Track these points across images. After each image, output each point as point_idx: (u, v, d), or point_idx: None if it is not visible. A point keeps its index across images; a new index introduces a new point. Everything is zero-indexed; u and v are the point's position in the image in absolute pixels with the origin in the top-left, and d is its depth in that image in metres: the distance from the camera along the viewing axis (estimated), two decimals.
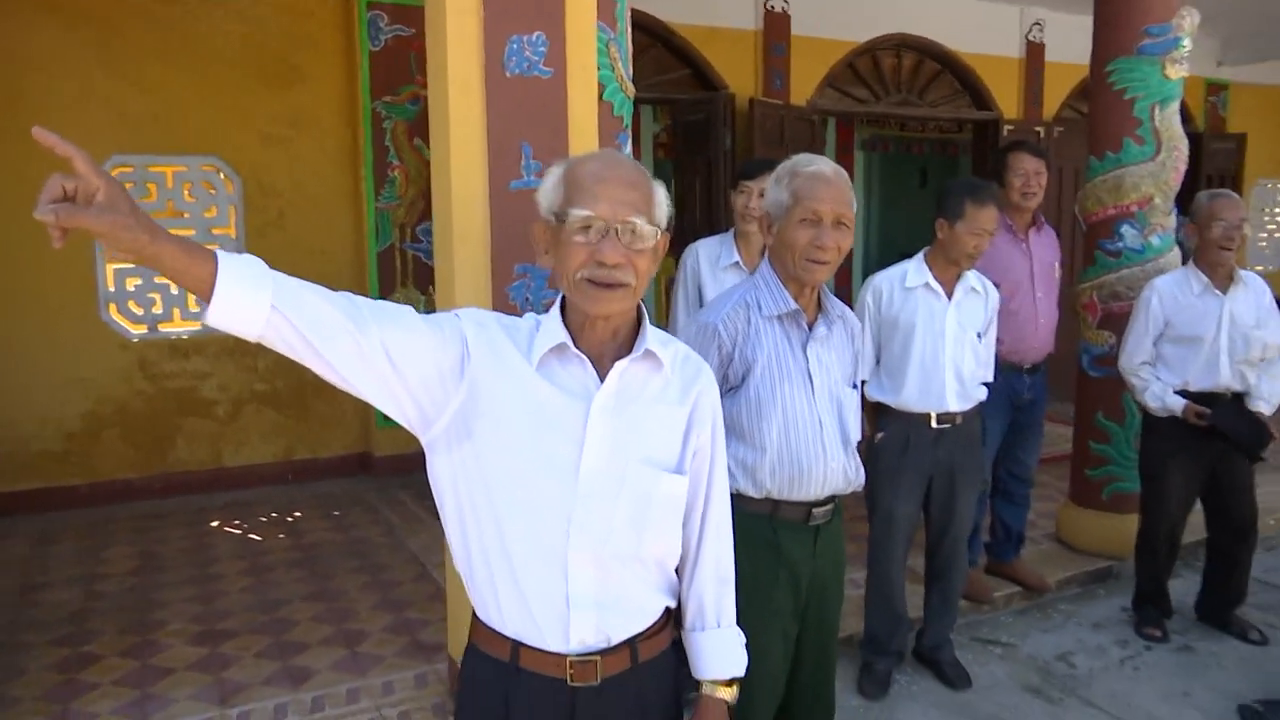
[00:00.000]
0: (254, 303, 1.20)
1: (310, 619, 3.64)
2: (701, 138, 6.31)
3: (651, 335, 1.43)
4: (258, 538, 4.60)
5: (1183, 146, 4.26)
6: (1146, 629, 3.81)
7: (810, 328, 2.16)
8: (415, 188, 5.66)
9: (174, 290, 5.22)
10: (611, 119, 3.07)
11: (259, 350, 5.30)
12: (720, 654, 1.56)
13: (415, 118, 5.61)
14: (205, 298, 1.18)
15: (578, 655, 1.39)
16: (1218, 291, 3.55)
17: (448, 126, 2.75)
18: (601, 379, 1.39)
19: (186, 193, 5.20)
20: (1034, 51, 8.11)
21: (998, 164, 3.87)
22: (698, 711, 1.55)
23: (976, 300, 3.25)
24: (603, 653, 1.41)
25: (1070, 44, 8.15)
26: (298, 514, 5.00)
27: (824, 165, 2.07)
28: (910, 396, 3.14)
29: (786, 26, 6.93)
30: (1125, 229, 4.26)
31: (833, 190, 2.04)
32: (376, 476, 5.64)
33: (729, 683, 1.56)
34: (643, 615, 1.46)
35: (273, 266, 1.23)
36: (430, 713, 3.00)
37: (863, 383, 3.17)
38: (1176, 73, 4.21)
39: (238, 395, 5.38)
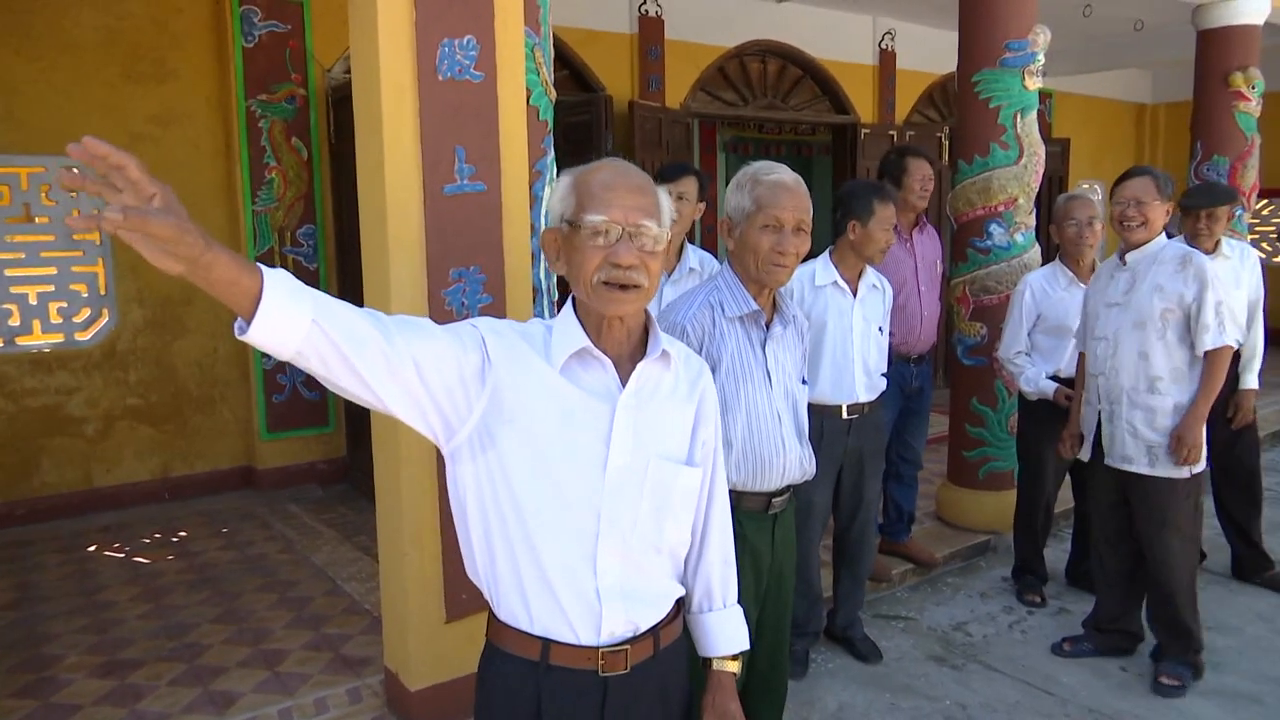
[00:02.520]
0: (297, 316, 1.18)
1: (222, 642, 3.49)
2: (584, 139, 6.36)
3: (662, 335, 1.50)
4: (145, 560, 4.34)
5: (1041, 151, 4.64)
6: (1027, 595, 4.15)
7: (767, 327, 2.27)
8: (294, 190, 5.46)
9: (32, 300, 4.83)
10: (538, 123, 3.10)
11: (130, 363, 5.03)
12: (728, 631, 1.66)
13: (293, 117, 5.42)
14: (247, 312, 1.15)
15: (608, 646, 1.44)
16: (1082, 284, 3.90)
17: (380, 130, 2.71)
18: (619, 378, 1.45)
19: (44, 195, 4.83)
20: (886, 59, 8.59)
21: (895, 167, 4.11)
22: (711, 687, 1.64)
23: (877, 296, 3.46)
24: (630, 642, 1.46)
25: (918, 53, 8.72)
26: (183, 533, 4.74)
27: (784, 174, 2.18)
28: (824, 390, 3.30)
29: (660, 31, 7.08)
30: (993, 228, 4.60)
31: (793, 198, 2.16)
32: (262, 490, 5.41)
33: (735, 657, 1.66)
34: (662, 603, 1.53)
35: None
36: None
37: None
38: (1034, 84, 4.58)
39: (108, 411, 5.04)
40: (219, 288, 1.13)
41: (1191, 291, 3.20)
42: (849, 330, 3.32)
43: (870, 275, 3.44)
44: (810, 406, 3.28)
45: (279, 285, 1.17)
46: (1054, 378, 3.93)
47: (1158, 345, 3.25)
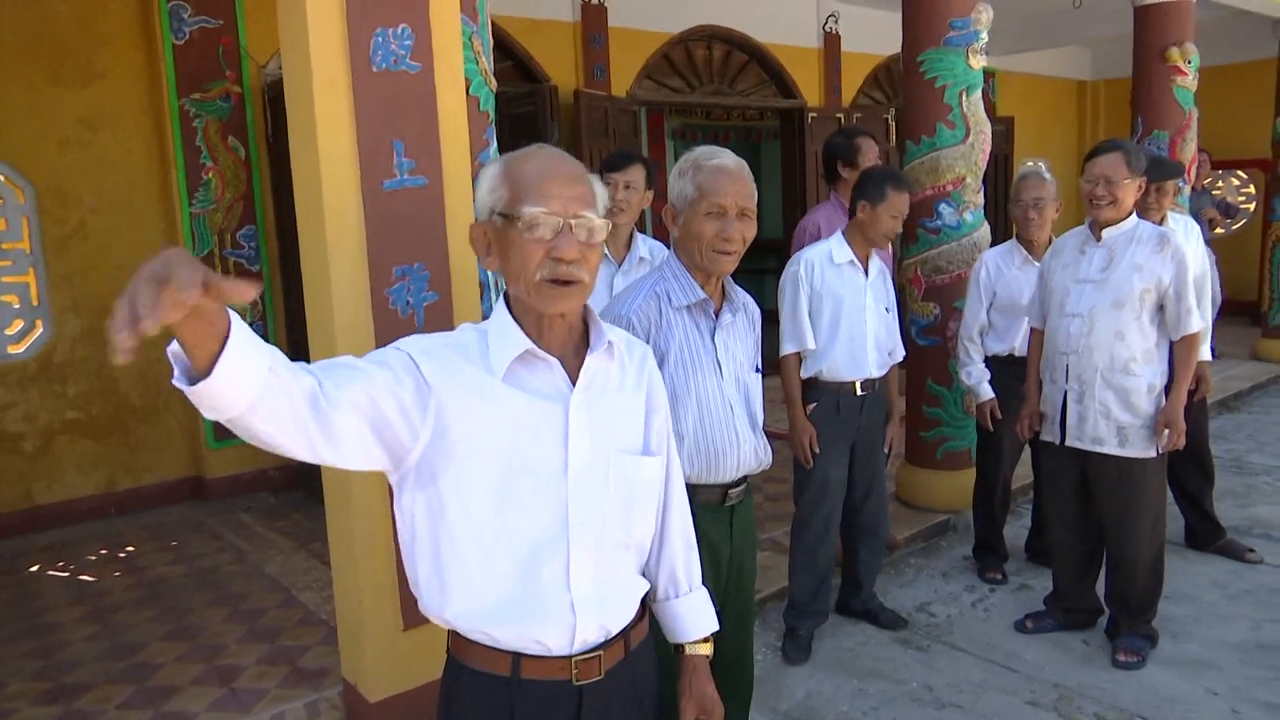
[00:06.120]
0: (259, 359, 1.10)
1: (174, 660, 3.37)
2: (529, 130, 6.26)
3: (604, 326, 1.45)
4: (90, 578, 4.20)
5: (987, 130, 4.66)
6: (989, 573, 4.17)
7: (716, 316, 2.22)
8: (233, 190, 5.31)
9: None
10: (478, 114, 3.02)
11: (69, 375, 4.87)
12: (697, 615, 1.63)
13: (228, 116, 5.26)
14: (210, 354, 1.05)
15: (580, 654, 1.39)
16: (1036, 263, 3.90)
17: (314, 126, 2.62)
18: (567, 376, 1.39)
19: None
20: (831, 42, 8.60)
21: (846, 150, 4.08)
22: (685, 671, 1.61)
23: (883, 279, 3.54)
24: (603, 647, 1.42)
25: (863, 35, 8.73)
26: (130, 548, 4.59)
27: (727, 158, 2.13)
28: (839, 367, 3.38)
29: (604, 18, 7.01)
30: (943, 207, 4.61)
31: (736, 183, 2.11)
32: (211, 500, 5.27)
33: (706, 639, 1.63)
34: (631, 602, 1.48)
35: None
36: None
37: (798, 356, 3.39)
38: (978, 63, 4.59)
39: (47, 426, 4.86)
40: (203, 324, 1.02)
41: (1169, 273, 3.20)
42: (863, 308, 3.40)
43: (876, 259, 3.51)
44: (823, 385, 3.40)
45: (242, 324, 1.08)
46: (1009, 356, 3.96)
47: (1133, 325, 3.24)
